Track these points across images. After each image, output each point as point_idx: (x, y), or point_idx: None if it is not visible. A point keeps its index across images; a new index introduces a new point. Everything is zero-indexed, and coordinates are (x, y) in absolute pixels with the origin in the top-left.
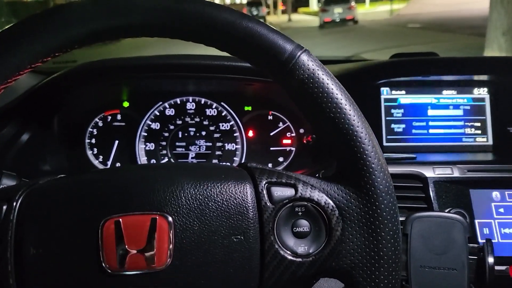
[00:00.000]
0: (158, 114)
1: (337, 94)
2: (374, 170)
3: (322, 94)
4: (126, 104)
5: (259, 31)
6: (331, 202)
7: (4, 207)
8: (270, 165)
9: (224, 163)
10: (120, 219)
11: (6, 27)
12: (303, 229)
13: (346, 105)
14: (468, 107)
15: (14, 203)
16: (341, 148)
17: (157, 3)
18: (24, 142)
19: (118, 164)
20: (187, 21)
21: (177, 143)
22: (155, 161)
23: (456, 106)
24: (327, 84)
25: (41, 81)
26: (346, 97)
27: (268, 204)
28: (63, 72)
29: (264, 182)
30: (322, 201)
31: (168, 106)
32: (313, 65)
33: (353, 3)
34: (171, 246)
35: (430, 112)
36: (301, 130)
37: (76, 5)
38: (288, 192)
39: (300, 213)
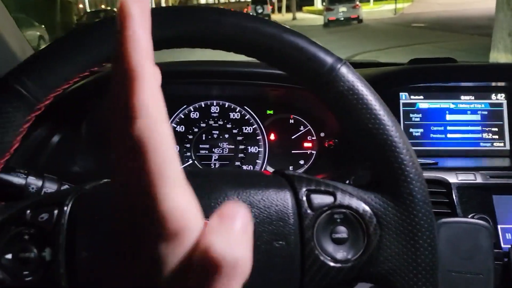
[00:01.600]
0: (183, 117)
1: (375, 105)
2: (412, 179)
3: (361, 105)
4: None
5: (299, 43)
6: (369, 209)
7: (55, 211)
8: (291, 167)
9: (259, 171)
10: None
11: (58, 39)
12: (342, 235)
13: (384, 116)
14: (486, 113)
15: (65, 208)
16: (379, 158)
17: (202, 16)
18: (55, 144)
19: None
20: (229, 34)
21: (200, 146)
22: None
23: (474, 111)
24: (366, 95)
25: (73, 85)
26: (384, 108)
27: (308, 211)
28: (94, 77)
29: (304, 190)
30: (360, 209)
31: (193, 110)
32: (352, 77)
33: (357, 2)
34: None
35: (448, 117)
36: (322, 134)
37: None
38: (327, 199)
39: (338, 220)
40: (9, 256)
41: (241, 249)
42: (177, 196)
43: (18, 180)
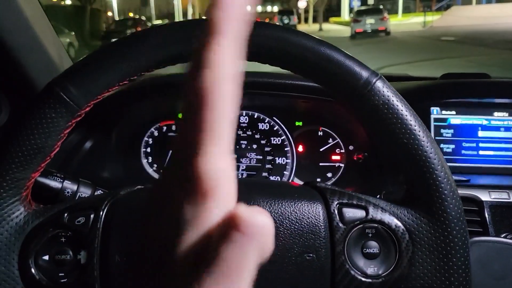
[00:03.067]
0: None
1: (411, 120)
2: (446, 196)
3: (396, 120)
4: (181, 115)
5: (336, 57)
6: (401, 225)
7: (92, 216)
8: (318, 180)
9: (287, 181)
10: None
11: (100, 48)
12: (373, 250)
13: (419, 131)
14: None
15: (101, 212)
16: (413, 174)
17: None
18: (87, 150)
19: None
20: (266, 46)
21: None
22: None
23: (508, 129)
24: (401, 110)
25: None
26: (419, 123)
27: (340, 224)
28: (128, 86)
29: (335, 203)
30: (392, 224)
31: None
32: (387, 91)
33: (386, 14)
34: None
35: (481, 133)
36: (351, 147)
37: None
38: (359, 213)
39: (370, 235)
40: (46, 257)
41: (266, 219)
42: (218, 157)
43: (55, 183)
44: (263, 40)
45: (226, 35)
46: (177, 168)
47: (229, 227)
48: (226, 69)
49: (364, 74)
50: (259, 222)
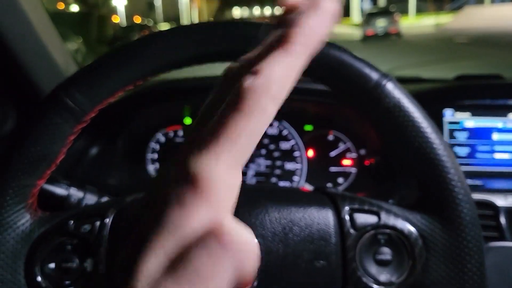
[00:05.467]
0: None
1: (422, 123)
2: (460, 201)
3: (408, 122)
4: (187, 120)
5: (345, 59)
6: (414, 231)
7: (97, 223)
8: (329, 185)
9: (296, 186)
10: None
11: (106, 54)
12: (386, 257)
13: (431, 134)
14: None
15: (107, 220)
16: (426, 178)
17: (248, 32)
18: (93, 156)
19: None
20: None
21: None
22: None
23: None
24: (413, 113)
25: None
26: (431, 126)
27: (351, 230)
28: (133, 92)
29: (346, 208)
30: (405, 230)
31: None
32: (398, 93)
33: (397, 16)
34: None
35: (496, 136)
36: (362, 152)
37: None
38: (371, 219)
39: (382, 241)
40: (52, 265)
41: (251, 238)
42: (225, 166)
43: (60, 190)
44: None
45: (294, 54)
46: (177, 161)
47: (209, 234)
48: (279, 88)
49: (374, 76)
50: (243, 238)
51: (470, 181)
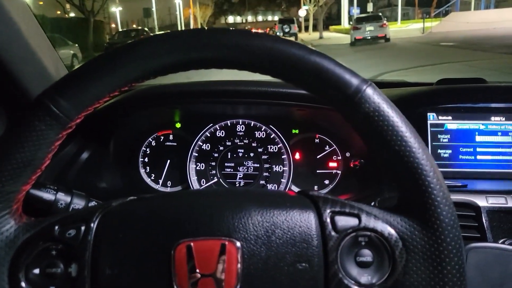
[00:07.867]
0: (209, 135)
1: (402, 127)
2: (439, 203)
3: (387, 127)
4: (178, 125)
5: (326, 65)
6: (394, 233)
7: (82, 228)
8: (316, 187)
9: (280, 190)
10: (192, 243)
11: (90, 60)
12: (366, 259)
13: (411, 138)
14: None
15: (92, 224)
16: (405, 180)
17: (229, 40)
18: (84, 160)
19: (169, 183)
20: (257, 56)
21: (226, 164)
22: (205, 181)
23: (505, 133)
24: (392, 117)
25: (102, 104)
26: (410, 130)
27: (333, 233)
28: (124, 96)
29: (328, 211)
30: (385, 232)
31: (218, 128)
32: (378, 98)
33: (385, 21)
34: (239, 271)
35: (478, 138)
36: (348, 154)
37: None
38: (352, 221)
39: (363, 243)
40: (36, 270)
41: None
42: None
43: (48, 196)
44: (254, 50)
45: None
46: None
47: None
48: None
49: (354, 81)
50: None
51: (452, 182)
